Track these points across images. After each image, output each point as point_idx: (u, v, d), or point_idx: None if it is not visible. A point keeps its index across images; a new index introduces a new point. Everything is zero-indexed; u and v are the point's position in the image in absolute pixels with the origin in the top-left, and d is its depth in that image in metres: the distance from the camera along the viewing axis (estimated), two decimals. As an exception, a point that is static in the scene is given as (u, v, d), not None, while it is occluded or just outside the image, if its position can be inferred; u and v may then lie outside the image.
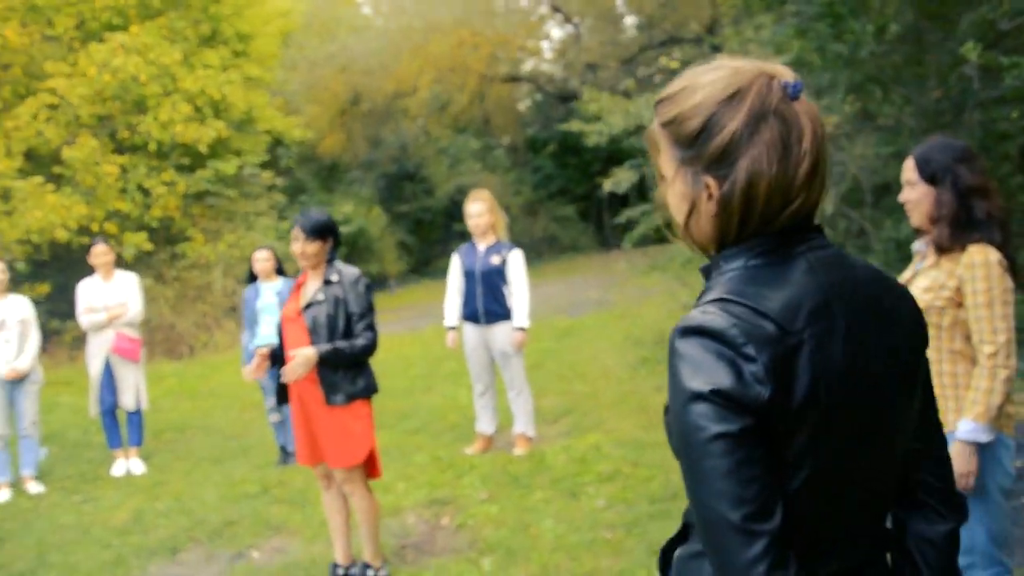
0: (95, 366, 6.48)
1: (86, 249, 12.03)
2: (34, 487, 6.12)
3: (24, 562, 4.67)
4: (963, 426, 2.43)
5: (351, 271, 3.80)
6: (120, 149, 12.18)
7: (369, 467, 3.86)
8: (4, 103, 11.40)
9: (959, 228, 2.46)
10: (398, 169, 22.30)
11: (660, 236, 7.45)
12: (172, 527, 5.07)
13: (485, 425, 6.12)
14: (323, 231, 3.76)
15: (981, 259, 2.40)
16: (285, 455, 6.49)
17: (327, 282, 3.78)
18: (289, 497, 5.44)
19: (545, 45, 24.38)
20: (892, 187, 6.20)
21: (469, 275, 5.87)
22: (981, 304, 2.40)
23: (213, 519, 5.12)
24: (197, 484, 5.96)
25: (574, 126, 9.68)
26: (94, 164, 11.24)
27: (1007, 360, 2.39)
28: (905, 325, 1.24)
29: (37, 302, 12.09)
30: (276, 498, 5.45)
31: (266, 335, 6.40)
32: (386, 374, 6.90)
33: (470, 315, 5.88)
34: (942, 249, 2.51)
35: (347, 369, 3.72)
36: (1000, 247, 2.44)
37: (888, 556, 1.31)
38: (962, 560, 2.36)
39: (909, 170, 2.60)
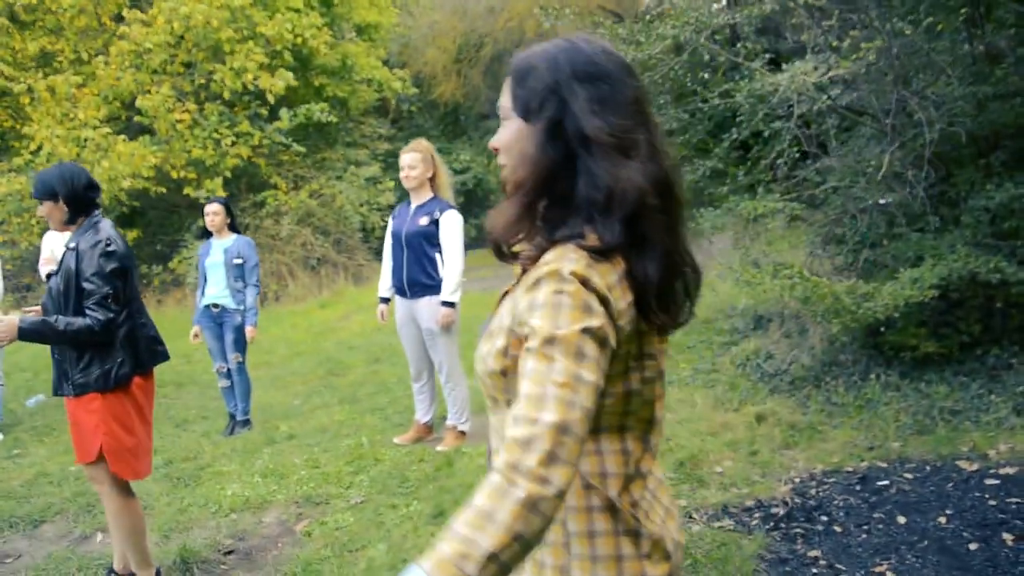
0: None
1: (162, 197, 12.35)
2: (-8, 436, 6.07)
3: None
4: None
5: (90, 237, 3.15)
6: (197, 97, 12.22)
7: (118, 467, 3.23)
8: (88, 54, 11.69)
9: None
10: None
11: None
12: (59, 495, 4.75)
13: (420, 412, 5.38)
14: (49, 191, 3.17)
15: None
16: (233, 423, 6.08)
17: (67, 248, 3.17)
18: (187, 474, 5.00)
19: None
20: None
21: (396, 238, 5.09)
22: None
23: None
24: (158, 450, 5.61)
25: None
26: (168, 112, 11.31)
27: None
28: None
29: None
30: (173, 473, 5.01)
31: (212, 294, 5.97)
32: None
33: (398, 286, 5.11)
34: None
35: (79, 355, 3.11)
36: None
37: None
38: None
39: None
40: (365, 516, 4.09)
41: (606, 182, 1.18)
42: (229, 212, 6.11)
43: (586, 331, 1.09)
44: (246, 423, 6.10)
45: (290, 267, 12.92)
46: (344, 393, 6.93)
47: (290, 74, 11.95)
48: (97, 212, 3.31)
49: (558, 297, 1.11)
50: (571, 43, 1.27)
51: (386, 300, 5.35)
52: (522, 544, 1.00)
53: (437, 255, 4.99)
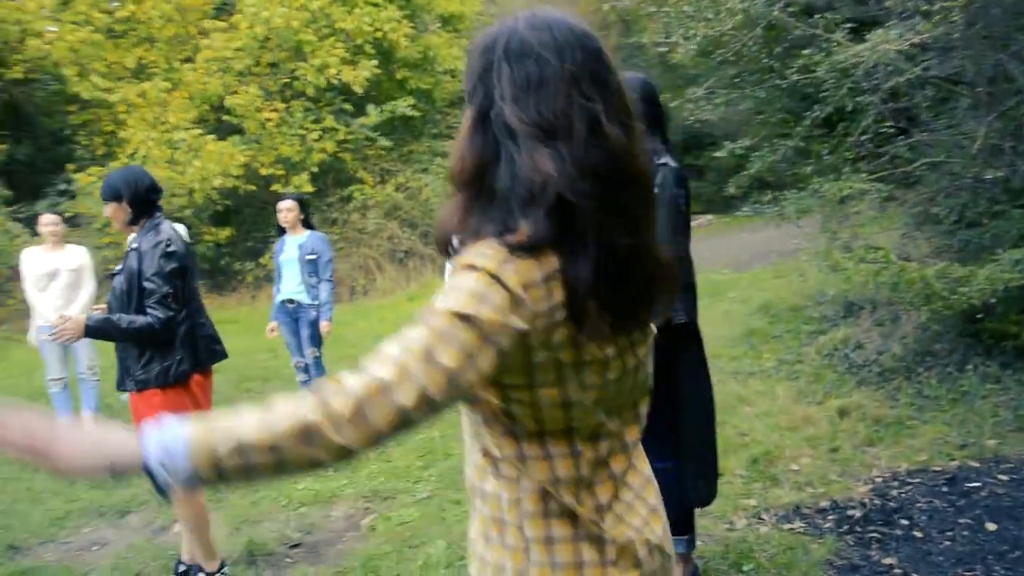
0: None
1: (254, 195, 12.72)
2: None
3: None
4: None
5: (152, 238, 3.22)
6: (282, 96, 12.53)
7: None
8: (177, 62, 12.14)
9: None
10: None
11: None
12: (143, 487, 4.93)
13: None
14: (114, 193, 3.27)
15: None
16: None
17: (130, 249, 3.26)
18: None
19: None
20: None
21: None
22: None
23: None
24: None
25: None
26: (256, 111, 11.64)
27: None
28: None
29: (219, 246, 13.10)
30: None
31: (287, 290, 6.08)
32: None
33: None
34: None
35: (140, 353, 3.20)
36: None
37: None
38: None
39: None
40: (429, 511, 4.07)
41: (526, 173, 1.07)
42: (303, 208, 6.19)
43: (464, 317, 1.02)
44: (326, 416, 6.20)
45: (377, 261, 13.11)
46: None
47: (372, 62, 12.08)
48: (159, 214, 3.39)
49: (458, 281, 1.06)
50: (524, 18, 1.15)
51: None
52: (276, 461, 1.01)
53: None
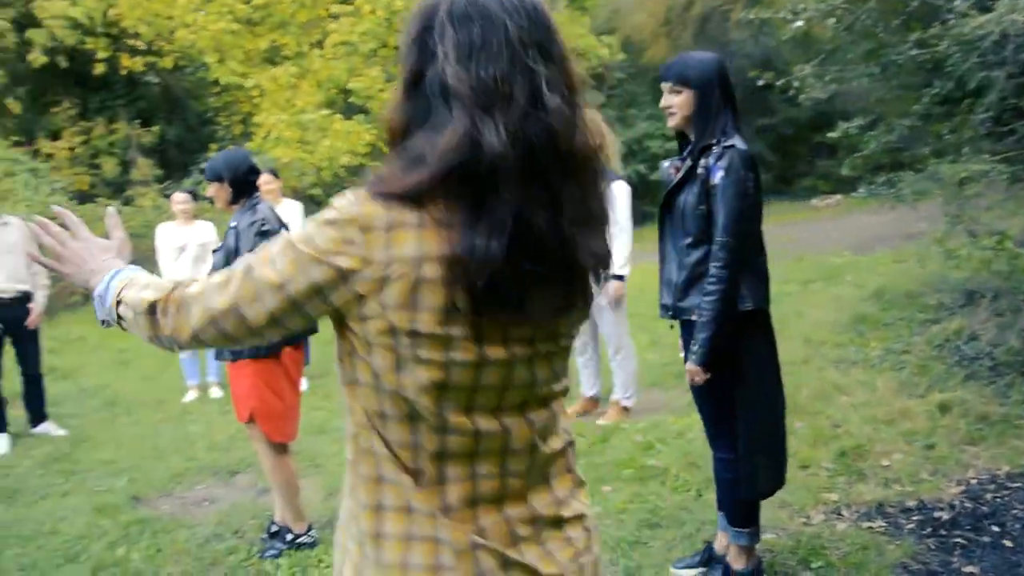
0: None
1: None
2: (216, 392, 6.84)
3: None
4: None
5: (248, 217, 3.45)
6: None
7: (267, 428, 3.54)
8: (307, 46, 12.66)
9: None
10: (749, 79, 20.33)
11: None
12: (251, 449, 5.25)
13: (585, 385, 5.38)
14: (216, 174, 3.52)
15: None
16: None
17: (229, 227, 3.50)
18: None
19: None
20: None
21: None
22: None
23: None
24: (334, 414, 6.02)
25: None
26: (378, 92, 12.02)
27: None
28: None
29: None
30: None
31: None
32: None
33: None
34: None
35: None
36: None
37: None
38: None
39: None
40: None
41: (448, 135, 1.03)
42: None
43: (290, 245, 1.09)
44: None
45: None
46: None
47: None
48: (256, 194, 3.61)
49: (310, 218, 1.11)
50: None
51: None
52: (134, 323, 1.23)
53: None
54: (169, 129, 16.33)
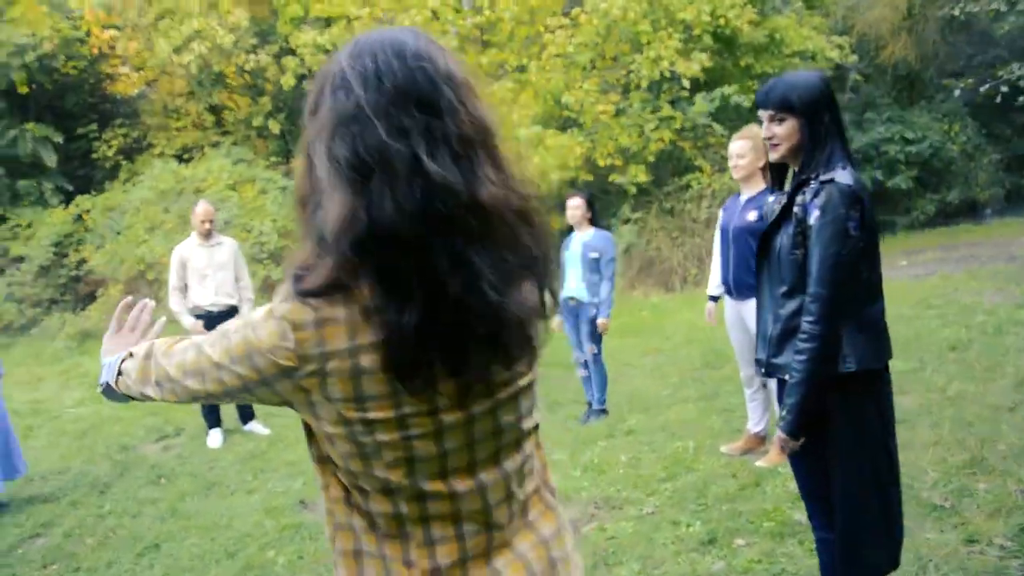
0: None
1: (590, 184, 13.12)
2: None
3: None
4: None
5: None
6: (624, 87, 12.73)
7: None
8: (526, 60, 12.94)
9: None
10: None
11: None
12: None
13: (751, 421, 5.01)
14: None
15: None
16: (589, 411, 6.32)
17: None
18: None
19: None
20: None
21: (724, 233, 4.80)
22: None
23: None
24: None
25: None
26: (592, 105, 12.02)
27: None
28: None
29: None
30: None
31: (569, 288, 6.24)
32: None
33: (725, 285, 4.81)
34: None
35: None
36: None
37: None
38: None
39: None
40: (643, 529, 3.96)
41: (326, 216, 1.02)
42: (590, 206, 6.30)
43: (241, 341, 1.11)
44: (602, 412, 6.29)
45: (710, 250, 12.79)
46: (708, 388, 6.71)
47: (703, 55, 11.79)
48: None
49: (254, 312, 1.13)
50: (353, 43, 1.10)
51: (715, 299, 5.10)
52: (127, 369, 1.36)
53: (762, 253, 4.56)
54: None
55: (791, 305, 2.34)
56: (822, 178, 2.28)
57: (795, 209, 2.34)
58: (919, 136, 16.03)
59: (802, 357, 2.25)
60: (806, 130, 2.36)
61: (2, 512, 5.26)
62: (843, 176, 2.27)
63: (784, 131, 2.40)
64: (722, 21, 12.28)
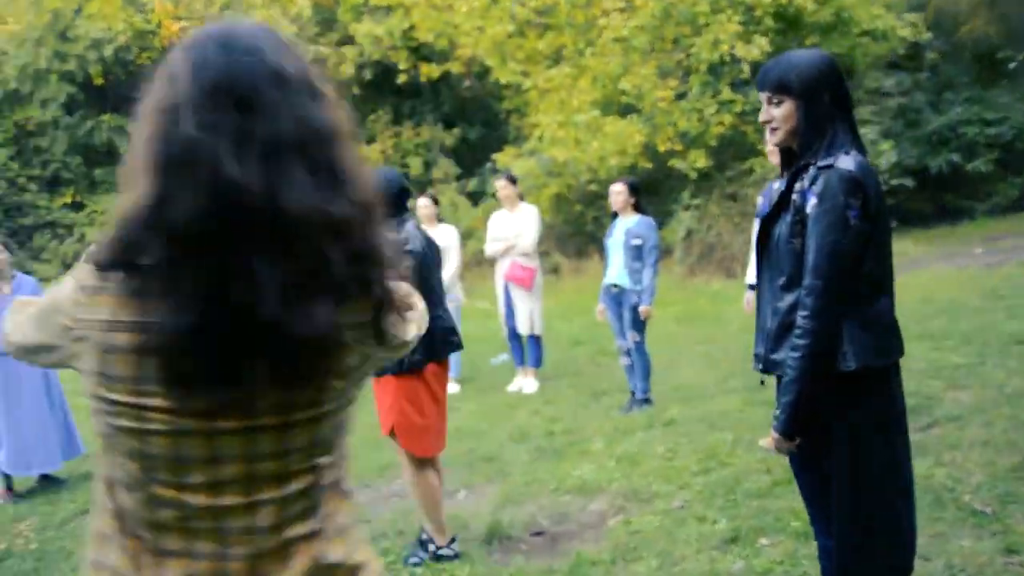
0: (499, 291, 7.21)
1: (650, 171, 12.92)
2: (452, 387, 7.23)
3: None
4: None
5: (401, 236, 3.58)
6: (682, 71, 12.45)
7: (407, 443, 3.65)
8: (583, 45, 12.77)
9: None
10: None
11: None
12: (463, 448, 5.48)
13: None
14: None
15: None
16: (632, 401, 6.24)
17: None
18: (557, 447, 5.34)
19: None
20: None
21: (761, 220, 4.63)
22: None
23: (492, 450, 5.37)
24: (555, 418, 6.13)
25: None
26: (650, 90, 11.79)
27: None
28: None
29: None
30: (548, 444, 5.40)
31: (611, 275, 6.16)
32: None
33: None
34: None
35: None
36: None
37: None
38: None
39: None
40: (667, 523, 3.89)
41: (125, 199, 1.04)
42: (634, 192, 6.20)
43: (49, 298, 1.15)
44: (645, 401, 6.19)
45: (774, 236, 12.47)
46: (754, 379, 6.41)
47: (764, 40, 11.41)
48: (407, 213, 3.74)
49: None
50: (193, 33, 1.10)
51: (754, 287, 4.93)
52: None
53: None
54: (470, 130, 17.53)
55: (789, 298, 2.23)
56: (821, 164, 2.17)
57: (793, 196, 2.23)
58: (1000, 117, 15.26)
59: (796, 354, 2.14)
60: (804, 112, 2.23)
61: (60, 488, 5.51)
62: (845, 161, 2.14)
63: (782, 113, 2.27)
64: (785, 0, 11.87)
